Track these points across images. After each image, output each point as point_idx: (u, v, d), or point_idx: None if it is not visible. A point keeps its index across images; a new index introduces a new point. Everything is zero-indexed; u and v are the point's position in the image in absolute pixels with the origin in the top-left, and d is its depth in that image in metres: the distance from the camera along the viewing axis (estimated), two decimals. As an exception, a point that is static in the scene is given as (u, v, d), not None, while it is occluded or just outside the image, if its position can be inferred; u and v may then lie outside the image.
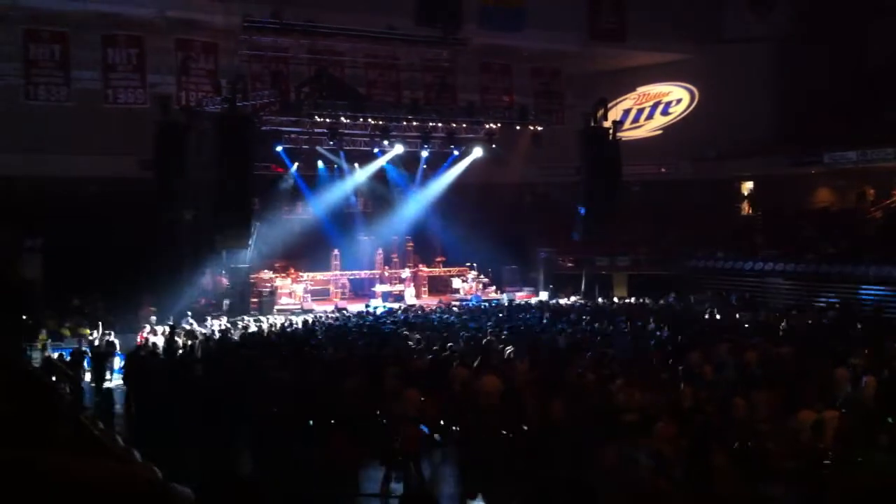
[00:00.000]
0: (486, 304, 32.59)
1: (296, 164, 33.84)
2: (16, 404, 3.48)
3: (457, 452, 13.46)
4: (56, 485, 2.28)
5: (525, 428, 12.83)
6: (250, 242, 28.36)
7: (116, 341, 22.52)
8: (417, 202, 36.95)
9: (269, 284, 33.23)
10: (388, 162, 35.06)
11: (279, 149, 32.05)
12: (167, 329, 23.48)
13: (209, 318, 28.22)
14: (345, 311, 30.04)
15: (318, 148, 32.87)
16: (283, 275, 34.01)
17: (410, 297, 34.51)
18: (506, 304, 32.43)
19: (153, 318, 27.08)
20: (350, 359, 17.71)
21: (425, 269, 37.49)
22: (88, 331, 24.32)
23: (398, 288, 35.40)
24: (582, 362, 16.57)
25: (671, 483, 9.78)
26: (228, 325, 25.94)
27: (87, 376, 20.54)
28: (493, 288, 37.05)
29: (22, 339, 22.32)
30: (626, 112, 42.96)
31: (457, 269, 37.56)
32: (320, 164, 34.72)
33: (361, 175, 35.37)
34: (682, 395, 13.46)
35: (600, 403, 13.64)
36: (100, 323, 24.66)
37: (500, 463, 12.31)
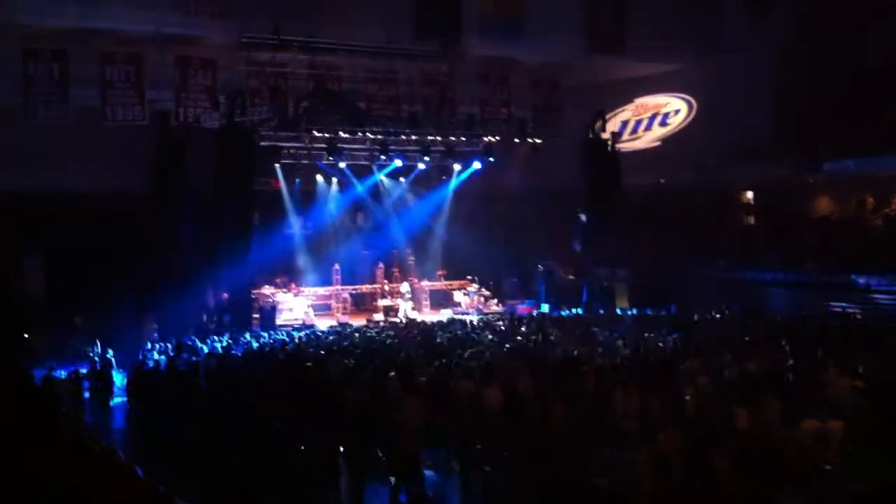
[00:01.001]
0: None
1: (296, 179, 33.95)
2: (20, 422, 3.48)
3: (459, 462, 13.40)
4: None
5: (527, 438, 12.78)
6: (251, 257, 28.38)
7: (113, 359, 22.43)
8: (418, 215, 37.05)
9: (270, 299, 33.17)
10: (387, 175, 35.24)
11: (277, 166, 32.13)
12: (169, 346, 23.42)
13: (211, 335, 28.15)
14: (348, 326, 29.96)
15: (320, 164, 32.89)
16: (284, 290, 33.95)
17: (411, 312, 34.38)
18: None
19: (155, 334, 27.02)
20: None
21: (427, 282, 37.41)
22: (89, 348, 24.25)
23: (396, 302, 35.28)
24: (583, 371, 16.53)
25: (672, 488, 9.76)
26: (230, 341, 25.88)
27: (88, 393, 20.49)
28: (495, 301, 36.98)
29: (23, 357, 22.27)
30: (625, 124, 43.01)
31: (458, 282, 37.49)
32: (319, 178, 34.77)
33: (362, 189, 35.48)
34: (684, 404, 13.42)
35: (602, 412, 13.60)
36: (99, 341, 24.59)
37: (501, 472, 12.27)
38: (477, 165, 34.15)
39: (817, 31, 38.32)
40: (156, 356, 22.41)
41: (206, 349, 23.87)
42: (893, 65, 36.82)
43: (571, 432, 12.57)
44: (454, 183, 35.89)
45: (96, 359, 22.34)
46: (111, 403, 20.85)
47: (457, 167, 34.93)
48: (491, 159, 33.74)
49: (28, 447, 3.30)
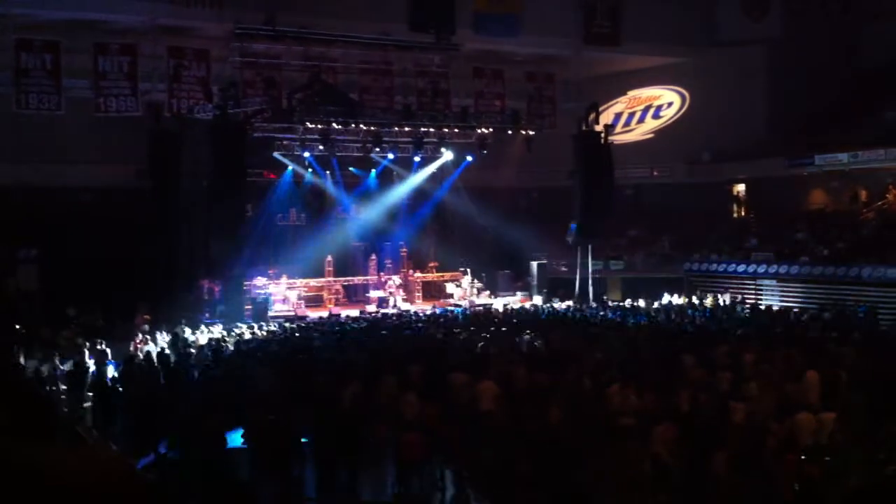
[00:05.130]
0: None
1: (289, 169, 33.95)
2: (13, 416, 3.43)
3: (456, 459, 13.38)
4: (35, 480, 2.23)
5: (524, 434, 12.77)
6: (243, 249, 28.33)
7: (108, 350, 22.34)
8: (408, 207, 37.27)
9: (262, 291, 33.09)
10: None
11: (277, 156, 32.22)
12: (162, 337, 23.36)
13: (203, 326, 28.07)
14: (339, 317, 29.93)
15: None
16: (276, 281, 33.86)
17: (403, 304, 34.31)
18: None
19: (146, 326, 26.93)
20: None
21: (419, 274, 37.37)
22: (83, 340, 24.15)
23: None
24: (579, 367, 16.52)
25: (670, 486, 9.76)
26: (223, 333, 25.81)
27: (80, 386, 20.40)
28: (488, 293, 36.96)
29: (17, 350, 22.19)
30: (618, 116, 42.98)
31: (450, 273, 37.44)
32: (310, 169, 34.72)
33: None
34: (679, 399, 13.42)
35: (598, 408, 13.59)
36: (92, 333, 24.49)
37: (499, 470, 12.26)
38: (448, 155, 34.65)
39: (810, 35, 38.35)
40: (148, 348, 22.34)
41: (198, 341, 23.82)
42: (886, 67, 36.87)
43: (569, 429, 12.56)
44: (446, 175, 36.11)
45: (88, 351, 22.24)
46: (104, 396, 20.77)
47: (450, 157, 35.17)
48: (484, 151, 33.80)
49: (23, 441, 3.26)
